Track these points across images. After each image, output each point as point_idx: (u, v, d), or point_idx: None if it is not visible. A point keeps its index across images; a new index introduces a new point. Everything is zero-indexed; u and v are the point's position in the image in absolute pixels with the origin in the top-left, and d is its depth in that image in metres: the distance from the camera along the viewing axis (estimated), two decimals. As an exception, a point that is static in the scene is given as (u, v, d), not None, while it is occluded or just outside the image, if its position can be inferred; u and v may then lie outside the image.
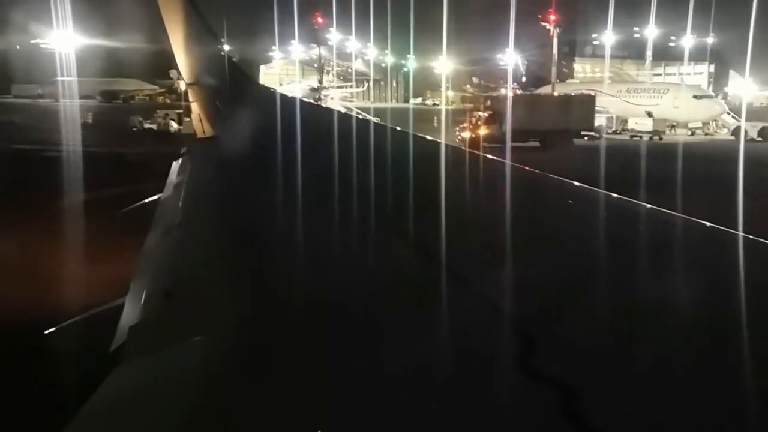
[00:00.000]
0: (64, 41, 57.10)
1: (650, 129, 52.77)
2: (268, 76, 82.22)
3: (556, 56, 65.97)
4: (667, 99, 55.94)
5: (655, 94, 57.40)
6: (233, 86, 10.93)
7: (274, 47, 79.50)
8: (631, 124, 54.40)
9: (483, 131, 40.55)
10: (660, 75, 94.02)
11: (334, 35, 77.59)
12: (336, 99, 75.24)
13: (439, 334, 2.01)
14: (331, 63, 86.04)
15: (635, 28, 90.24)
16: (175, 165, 7.75)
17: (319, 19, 72.07)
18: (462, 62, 78.25)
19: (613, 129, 54.64)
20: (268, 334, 2.14)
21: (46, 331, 4.13)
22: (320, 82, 73.70)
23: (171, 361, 2.13)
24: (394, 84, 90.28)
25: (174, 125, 49.15)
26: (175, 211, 4.90)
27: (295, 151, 5.95)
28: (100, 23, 62.14)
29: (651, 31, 74.11)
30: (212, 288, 2.80)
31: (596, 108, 53.35)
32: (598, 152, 33.70)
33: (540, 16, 65.41)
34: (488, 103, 48.67)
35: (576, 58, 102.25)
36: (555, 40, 64.70)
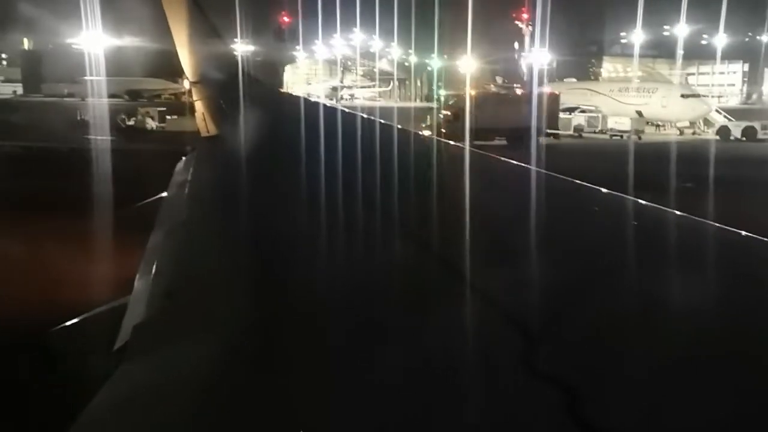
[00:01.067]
0: (93, 41, 58.28)
1: (628, 128, 52.42)
2: (294, 76, 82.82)
3: (524, 55, 66.83)
4: (655, 98, 55.61)
5: (645, 93, 57.08)
6: (237, 85, 10.88)
7: (298, 47, 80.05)
8: (611, 123, 54.15)
9: (444, 129, 40.89)
10: (693, 74, 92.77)
11: (357, 35, 77.88)
12: (361, 99, 75.51)
13: (443, 333, 1.99)
14: (356, 63, 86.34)
15: (665, 27, 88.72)
16: (180, 164, 7.76)
17: (285, 19, 71.83)
18: (486, 61, 77.87)
19: (599, 128, 54.32)
20: (271, 335, 2.14)
21: (49, 330, 4.11)
22: (341, 81, 74.05)
23: (175, 361, 2.13)
24: (419, 83, 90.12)
25: (151, 123, 50.11)
26: (180, 210, 4.87)
27: (298, 150, 5.95)
28: (130, 24, 63.35)
29: (682, 29, 72.73)
30: (216, 287, 2.80)
31: (588, 107, 54.04)
32: (545, 151, 34.27)
33: (514, 15, 66.21)
34: (451, 101, 48.67)
35: (604, 57, 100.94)
36: (527, 39, 65.26)
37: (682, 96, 55.30)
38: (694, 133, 56.70)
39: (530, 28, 65.50)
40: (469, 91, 55.11)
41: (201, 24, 10.91)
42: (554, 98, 50.65)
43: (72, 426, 1.80)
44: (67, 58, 68.17)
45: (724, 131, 53.07)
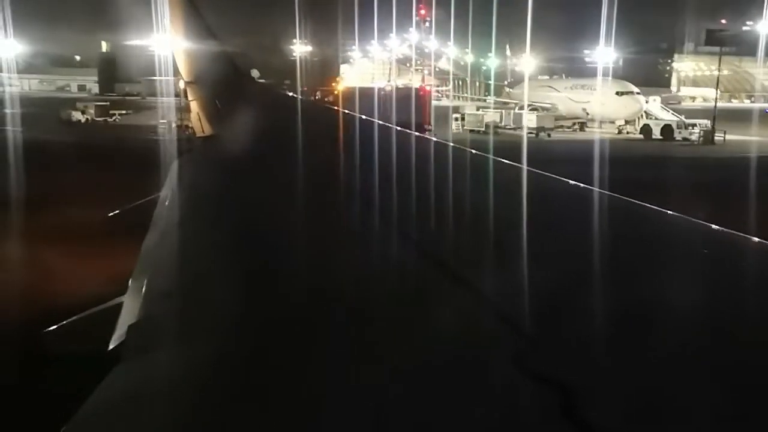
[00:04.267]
0: (161, 43, 60.72)
1: (535, 126, 52.08)
2: (349, 75, 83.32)
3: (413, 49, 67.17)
4: (596, 95, 54.20)
5: (589, 90, 56.06)
6: (232, 85, 10.98)
7: (353, 47, 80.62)
8: (524, 121, 53.77)
9: None
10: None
11: (413, 35, 77.65)
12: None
13: (437, 334, 1.99)
14: (413, 62, 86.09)
15: (748, 22, 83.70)
16: (175, 163, 7.88)
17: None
18: (545, 59, 76.10)
19: (514, 125, 54.39)
20: (267, 334, 2.15)
21: (45, 330, 4.17)
22: (389, 80, 74.01)
23: (170, 361, 2.13)
24: (477, 83, 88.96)
25: (77, 116, 54.08)
26: (175, 210, 4.95)
27: (294, 149, 6.09)
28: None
29: (766, 25, 68.32)
30: (211, 287, 2.83)
31: (543, 104, 55.18)
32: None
33: (418, 12, 65.70)
34: (323, 96, 49.11)
35: (676, 55, 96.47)
36: (422, 35, 64.69)
37: (617, 93, 53.81)
38: (627, 132, 55.53)
39: (426, 24, 65.62)
40: (340, 87, 55.15)
41: (196, 25, 11.05)
42: (424, 95, 50.67)
43: (66, 426, 1.81)
44: (133, 60, 71.52)
45: (646, 130, 53.02)
